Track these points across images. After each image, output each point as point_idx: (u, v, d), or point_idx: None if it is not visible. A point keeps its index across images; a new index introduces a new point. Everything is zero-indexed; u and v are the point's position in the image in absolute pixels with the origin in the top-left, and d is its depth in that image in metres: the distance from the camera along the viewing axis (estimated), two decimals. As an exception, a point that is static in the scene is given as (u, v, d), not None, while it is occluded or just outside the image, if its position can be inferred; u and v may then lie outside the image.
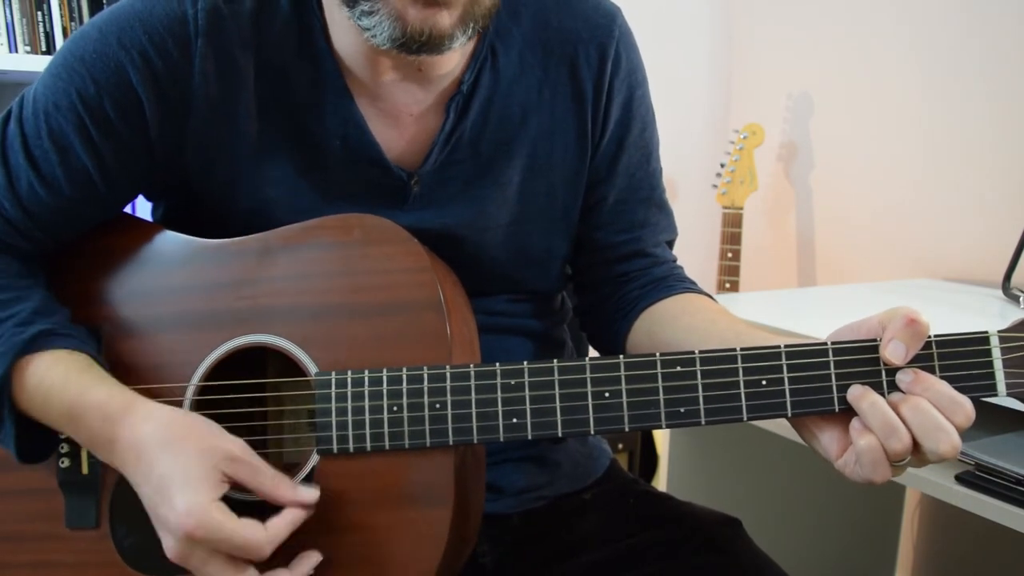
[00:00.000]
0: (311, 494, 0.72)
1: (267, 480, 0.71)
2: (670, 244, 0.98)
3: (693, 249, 2.21)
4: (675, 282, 0.93)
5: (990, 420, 1.18)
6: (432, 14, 0.71)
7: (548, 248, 0.92)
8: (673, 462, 1.54)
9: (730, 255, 1.96)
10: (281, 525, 0.70)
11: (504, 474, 0.91)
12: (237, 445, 0.71)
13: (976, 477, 1.05)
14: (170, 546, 0.69)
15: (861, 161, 1.97)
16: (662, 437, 1.93)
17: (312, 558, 0.73)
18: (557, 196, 0.90)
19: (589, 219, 0.93)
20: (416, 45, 0.72)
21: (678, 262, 0.98)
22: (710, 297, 0.93)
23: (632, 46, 0.92)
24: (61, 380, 0.74)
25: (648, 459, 2.02)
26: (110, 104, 0.77)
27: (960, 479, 1.07)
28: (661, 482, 1.62)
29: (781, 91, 2.14)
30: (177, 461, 0.69)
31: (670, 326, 0.88)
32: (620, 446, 1.92)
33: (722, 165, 2.03)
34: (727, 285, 1.95)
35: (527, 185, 0.88)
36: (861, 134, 1.96)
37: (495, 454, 0.89)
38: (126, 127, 0.78)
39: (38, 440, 0.77)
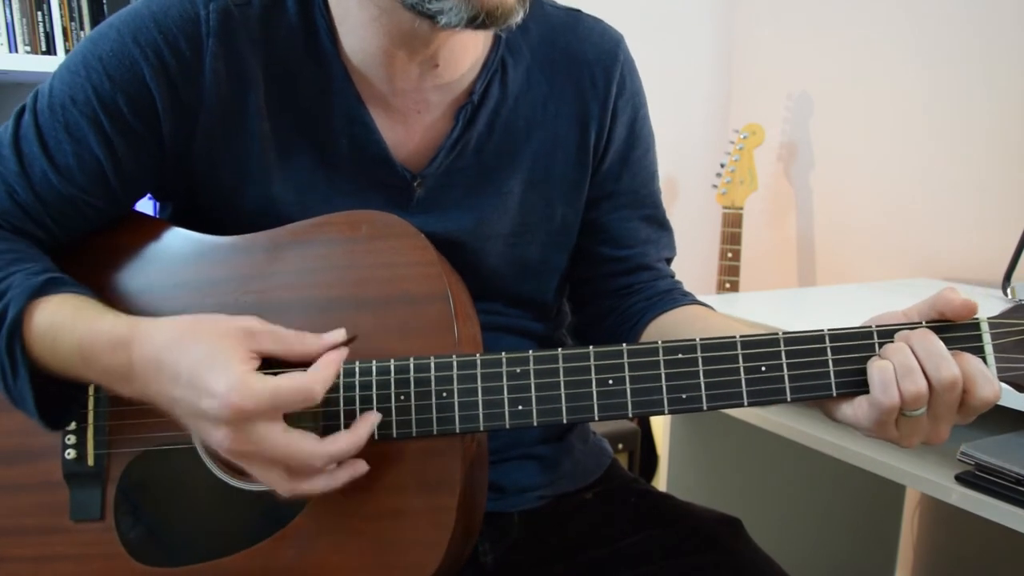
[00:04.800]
0: (338, 334, 0.72)
1: (293, 341, 0.70)
2: (669, 262, 1.00)
3: (693, 249, 2.22)
4: (679, 295, 0.95)
5: (990, 420, 1.18)
6: None
7: (546, 261, 0.93)
8: (673, 462, 1.54)
9: (730, 255, 1.96)
10: (326, 372, 0.69)
11: (505, 473, 0.91)
12: (251, 320, 0.71)
13: (976, 477, 1.05)
14: (221, 438, 0.67)
15: (861, 161, 1.97)
16: (662, 437, 1.93)
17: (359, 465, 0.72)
18: (556, 210, 0.91)
19: (594, 234, 0.95)
20: (490, 21, 0.74)
21: (677, 278, 0.99)
22: (712, 310, 0.94)
23: (635, 71, 0.94)
24: (70, 318, 0.73)
25: (648, 459, 2.02)
26: (124, 100, 0.78)
27: (960, 479, 1.07)
28: (661, 482, 1.62)
29: (781, 91, 2.14)
30: (200, 349, 0.68)
31: (683, 331, 0.89)
32: (620, 446, 1.91)
33: (722, 165, 2.03)
34: (727, 285, 1.96)
35: (528, 197, 0.89)
36: (861, 134, 1.96)
37: (497, 453, 0.90)
38: (139, 122, 0.80)
39: (54, 395, 0.76)
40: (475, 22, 0.74)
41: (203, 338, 0.69)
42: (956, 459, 1.08)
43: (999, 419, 1.12)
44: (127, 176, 0.82)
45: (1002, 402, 1.04)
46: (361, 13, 0.80)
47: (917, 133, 1.84)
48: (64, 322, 0.73)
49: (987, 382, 0.66)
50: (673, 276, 0.99)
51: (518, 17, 0.76)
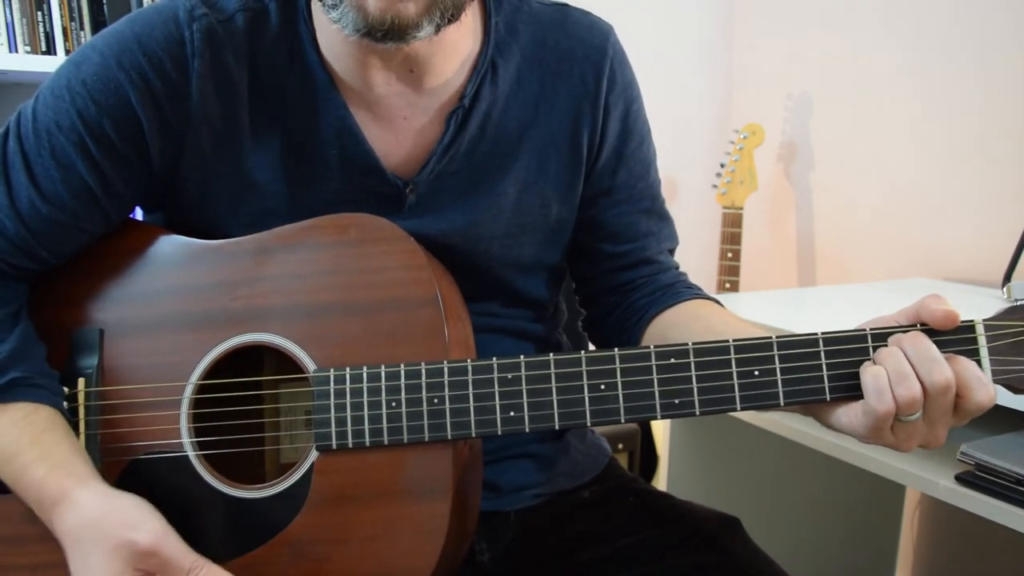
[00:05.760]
0: None
1: (180, 573, 0.73)
2: (671, 252, 1.00)
3: (693, 249, 2.21)
4: (683, 288, 0.94)
5: (990, 420, 1.18)
6: (393, 3, 0.71)
7: (540, 259, 0.93)
8: (673, 462, 1.54)
9: (730, 255, 1.96)
10: None
11: (502, 472, 0.91)
12: (151, 536, 0.73)
13: (976, 477, 1.05)
14: None
15: (861, 161, 1.96)
16: (662, 437, 1.93)
17: None
18: (551, 209, 0.91)
19: (593, 231, 0.94)
20: (380, 33, 0.73)
21: (681, 269, 0.99)
22: (717, 302, 0.94)
23: (625, 63, 0.93)
24: (12, 447, 0.76)
25: (648, 459, 2.02)
26: (110, 124, 0.78)
27: (960, 479, 1.07)
28: (661, 482, 1.61)
29: (781, 91, 2.14)
30: (88, 562, 0.72)
31: (685, 331, 0.89)
32: (620, 446, 1.91)
33: (722, 165, 2.03)
34: (727, 285, 1.95)
35: (522, 197, 0.89)
36: (861, 134, 1.96)
37: (493, 452, 0.89)
38: (126, 145, 0.79)
39: None
40: (363, 32, 0.73)
41: (98, 549, 0.73)
42: (956, 459, 1.08)
43: (999, 419, 1.12)
44: (117, 198, 0.81)
45: (1001, 402, 1.03)
46: (330, 24, 0.78)
47: (917, 133, 1.84)
48: (4, 449, 0.76)
49: (982, 386, 0.66)
50: (676, 267, 0.98)
51: (421, 31, 0.74)
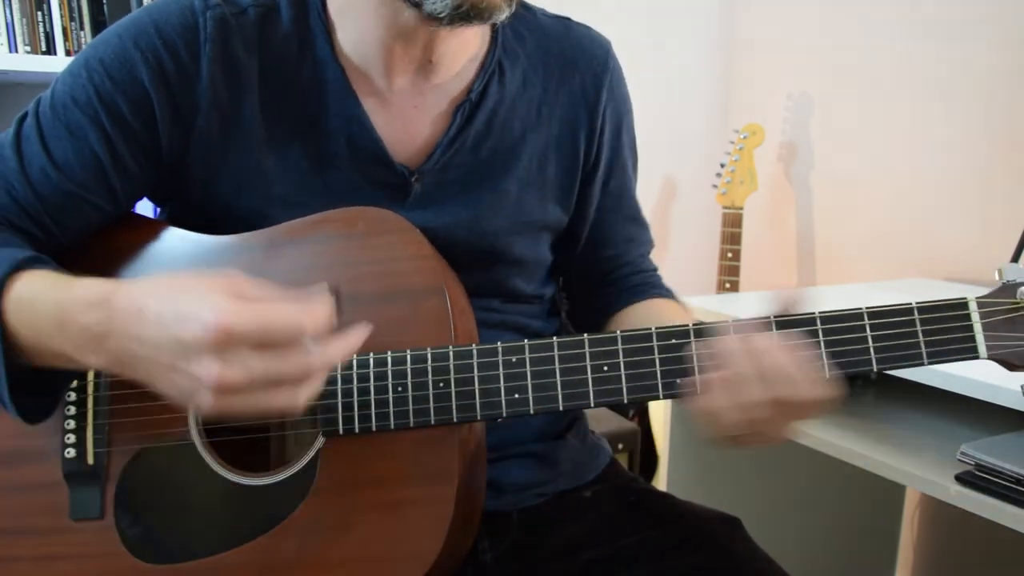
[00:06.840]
0: (323, 300, 0.65)
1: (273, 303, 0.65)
2: (647, 254, 1.06)
3: (693, 249, 2.22)
4: (648, 288, 1.00)
5: (990, 420, 1.18)
6: None
7: (539, 256, 0.95)
8: (673, 462, 1.54)
9: (730, 255, 1.96)
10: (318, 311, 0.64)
11: (504, 471, 0.91)
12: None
13: (976, 477, 1.06)
14: (205, 372, 0.61)
15: (861, 161, 1.97)
16: (662, 437, 1.93)
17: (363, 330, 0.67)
18: (549, 209, 0.94)
19: (581, 233, 0.99)
20: (474, 14, 0.77)
21: (655, 269, 1.05)
22: (678, 302, 1.00)
23: (622, 79, 0.98)
24: (50, 286, 0.71)
25: (648, 459, 2.02)
26: (124, 101, 0.80)
27: (960, 479, 1.07)
28: (661, 482, 1.61)
29: (781, 91, 2.14)
30: (188, 291, 0.64)
31: (634, 323, 0.94)
32: (620, 446, 1.91)
33: (722, 165, 2.03)
34: (727, 285, 1.95)
35: (523, 196, 0.91)
36: (861, 134, 1.96)
37: (494, 450, 0.90)
38: (138, 123, 0.81)
39: (29, 382, 0.73)
40: (459, 11, 0.76)
41: (190, 283, 0.65)
42: (956, 459, 1.08)
43: (999, 419, 1.12)
44: (126, 175, 0.83)
45: (1002, 402, 1.04)
46: (363, 4, 0.82)
47: (917, 133, 1.84)
48: (43, 289, 0.71)
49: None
50: (651, 270, 1.04)
51: (503, 14, 0.78)
